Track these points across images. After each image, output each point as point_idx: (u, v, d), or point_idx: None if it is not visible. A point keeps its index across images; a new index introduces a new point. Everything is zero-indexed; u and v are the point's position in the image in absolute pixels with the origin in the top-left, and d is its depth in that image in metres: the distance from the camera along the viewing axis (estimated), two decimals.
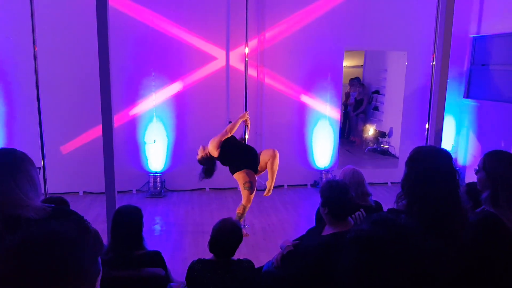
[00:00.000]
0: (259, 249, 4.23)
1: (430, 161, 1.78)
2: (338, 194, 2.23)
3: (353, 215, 2.62)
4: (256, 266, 2.50)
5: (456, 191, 1.76)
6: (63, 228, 0.87)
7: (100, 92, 3.42)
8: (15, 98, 5.60)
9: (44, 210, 1.52)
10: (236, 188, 5.94)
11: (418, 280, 0.88)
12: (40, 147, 4.15)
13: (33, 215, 1.46)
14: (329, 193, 2.25)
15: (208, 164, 4.45)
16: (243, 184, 4.31)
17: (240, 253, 2.40)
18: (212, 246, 2.30)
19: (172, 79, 5.90)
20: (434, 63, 3.74)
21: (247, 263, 2.35)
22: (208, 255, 2.39)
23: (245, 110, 5.05)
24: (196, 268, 2.30)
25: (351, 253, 0.94)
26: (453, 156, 6.76)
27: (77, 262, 0.83)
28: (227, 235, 2.29)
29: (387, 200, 2.28)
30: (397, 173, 5.90)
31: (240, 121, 4.58)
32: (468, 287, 1.70)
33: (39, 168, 1.67)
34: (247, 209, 4.39)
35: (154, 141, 5.96)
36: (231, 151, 4.35)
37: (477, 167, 1.97)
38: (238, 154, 4.38)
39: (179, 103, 5.98)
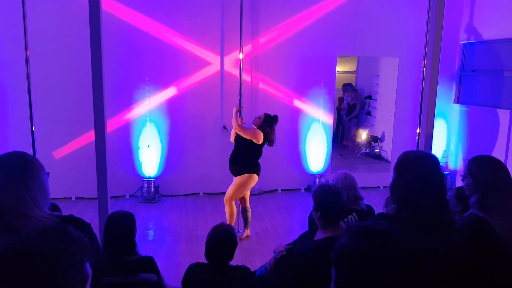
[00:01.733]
0: (253, 253, 4.23)
1: (418, 166, 1.82)
2: (330, 198, 2.25)
3: (345, 219, 2.64)
4: None
5: (444, 195, 1.80)
6: (41, 240, 0.85)
7: (92, 97, 3.42)
8: (7, 103, 5.57)
9: (51, 221, 1.49)
10: None
11: (413, 282, 0.87)
12: (32, 152, 4.13)
13: (38, 225, 1.43)
14: (321, 197, 2.27)
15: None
16: (249, 189, 4.43)
17: (233, 258, 2.40)
18: (209, 256, 2.30)
19: (166, 84, 5.91)
20: (424, 68, 3.79)
21: (245, 269, 2.35)
22: (202, 260, 2.39)
23: (239, 115, 5.08)
24: (194, 272, 2.29)
25: (340, 274, 0.93)
26: (444, 160, 6.83)
27: (57, 274, 0.81)
28: (221, 243, 2.29)
29: (379, 204, 2.30)
30: (389, 177, 5.91)
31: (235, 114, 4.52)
32: None
33: (48, 173, 1.65)
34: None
35: (148, 146, 5.95)
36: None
37: (463, 174, 2.01)
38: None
39: (173, 108, 5.98)
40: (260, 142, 4.34)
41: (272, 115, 4.45)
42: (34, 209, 1.48)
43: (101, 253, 1.71)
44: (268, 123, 4.38)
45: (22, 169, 1.51)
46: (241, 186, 4.36)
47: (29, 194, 1.48)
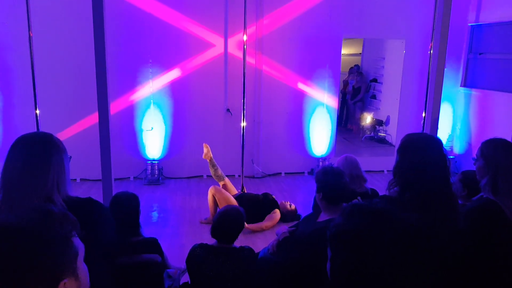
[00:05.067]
0: (256, 235, 4.27)
1: (421, 148, 1.81)
2: (332, 178, 2.24)
3: (350, 202, 2.64)
4: None
5: (447, 177, 1.79)
6: (18, 220, 0.85)
7: (96, 79, 3.40)
8: (11, 85, 5.56)
9: (68, 204, 1.49)
10: (234, 175, 5.98)
11: (409, 259, 0.87)
12: None
13: (60, 207, 1.42)
14: (323, 177, 2.26)
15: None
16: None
17: (237, 239, 2.42)
18: (215, 230, 2.34)
19: (170, 66, 5.87)
20: (431, 51, 3.74)
21: (248, 251, 2.38)
22: (206, 241, 2.41)
23: (243, 97, 5.06)
24: (198, 253, 2.32)
25: (335, 253, 0.93)
26: (449, 144, 6.77)
27: (37, 252, 0.81)
28: (229, 220, 2.34)
29: (383, 188, 2.31)
30: (393, 161, 5.92)
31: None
32: (466, 273, 1.72)
33: (70, 156, 1.64)
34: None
35: (152, 128, 5.95)
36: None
37: (475, 157, 1.98)
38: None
39: (177, 90, 5.95)
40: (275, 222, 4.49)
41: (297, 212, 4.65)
42: (55, 192, 1.48)
43: (115, 236, 1.72)
44: (291, 216, 4.57)
45: (48, 151, 1.50)
46: (225, 199, 4.37)
47: (53, 177, 1.48)
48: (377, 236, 0.89)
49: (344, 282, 0.92)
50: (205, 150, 4.83)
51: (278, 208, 4.57)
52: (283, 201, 4.70)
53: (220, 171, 4.81)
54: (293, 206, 4.65)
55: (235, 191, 4.81)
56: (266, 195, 4.71)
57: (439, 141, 1.86)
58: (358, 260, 0.89)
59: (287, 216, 4.56)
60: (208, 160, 4.83)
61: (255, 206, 4.48)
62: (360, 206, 0.95)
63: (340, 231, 0.93)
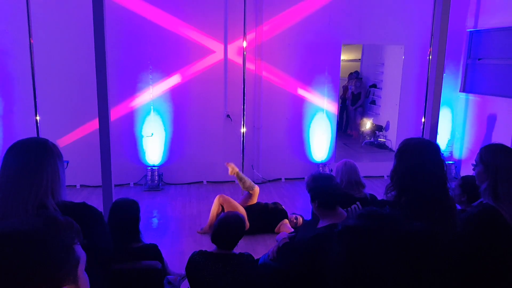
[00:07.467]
0: (256, 242, 4.26)
1: (418, 153, 1.82)
2: (322, 182, 2.23)
3: (348, 208, 2.63)
4: None
5: (444, 182, 1.79)
6: (21, 226, 0.85)
7: (96, 85, 3.41)
8: (12, 91, 5.57)
9: (65, 206, 1.49)
10: (234, 181, 5.98)
11: (410, 266, 0.89)
12: None
13: (53, 212, 1.43)
14: (313, 183, 2.24)
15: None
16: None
17: (237, 245, 2.42)
18: (215, 236, 2.34)
19: (170, 72, 5.89)
20: (430, 57, 3.75)
21: (248, 257, 2.37)
22: (206, 248, 2.41)
23: (243, 103, 5.06)
24: (197, 260, 2.32)
25: (341, 246, 0.96)
26: (449, 149, 6.76)
27: (40, 258, 0.81)
28: (229, 226, 2.34)
29: (383, 193, 2.31)
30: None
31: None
32: (466, 279, 1.72)
33: (67, 162, 1.63)
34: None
35: (152, 134, 5.96)
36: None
37: (474, 162, 1.98)
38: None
39: (177, 96, 5.97)
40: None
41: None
42: (49, 197, 1.47)
43: (111, 241, 1.72)
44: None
45: (42, 156, 1.49)
46: (233, 208, 4.31)
47: (47, 181, 1.47)
48: (382, 236, 0.92)
49: (342, 277, 0.95)
50: (230, 170, 4.67)
51: (287, 218, 4.49)
52: (291, 217, 4.54)
53: (248, 183, 4.62)
54: (300, 220, 4.46)
55: (255, 201, 4.66)
56: (276, 205, 4.62)
57: (436, 146, 1.87)
58: (360, 256, 0.92)
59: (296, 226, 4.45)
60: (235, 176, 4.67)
61: (264, 216, 4.40)
62: (371, 210, 1.00)
63: (347, 227, 0.97)
